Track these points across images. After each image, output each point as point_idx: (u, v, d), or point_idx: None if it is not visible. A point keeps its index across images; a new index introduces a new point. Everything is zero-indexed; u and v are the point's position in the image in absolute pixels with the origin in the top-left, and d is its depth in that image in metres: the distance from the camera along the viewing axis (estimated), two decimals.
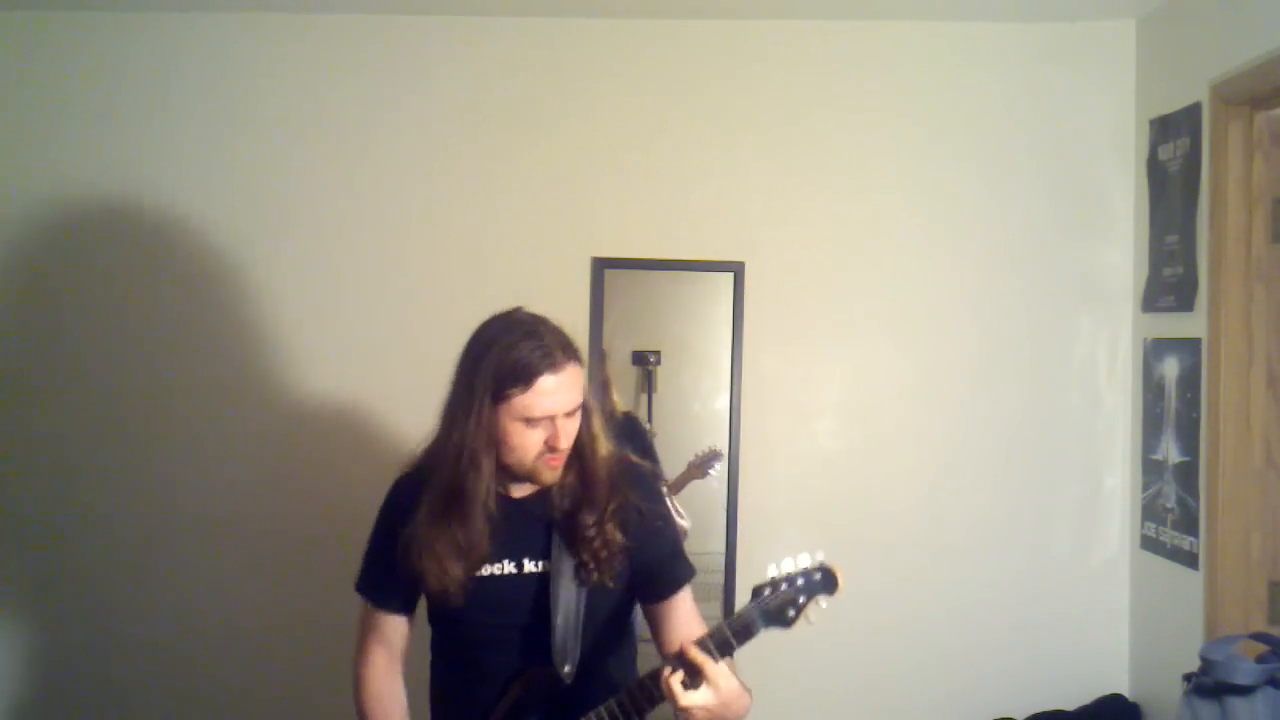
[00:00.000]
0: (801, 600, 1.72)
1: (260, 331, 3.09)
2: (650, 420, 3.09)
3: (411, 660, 2.02)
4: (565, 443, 1.82)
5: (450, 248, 3.06)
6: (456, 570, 1.82)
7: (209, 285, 3.10)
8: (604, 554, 1.86)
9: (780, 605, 1.72)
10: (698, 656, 1.69)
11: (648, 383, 3.09)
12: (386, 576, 1.93)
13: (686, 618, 1.94)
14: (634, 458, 2.00)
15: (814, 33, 3.06)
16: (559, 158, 3.07)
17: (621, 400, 3.06)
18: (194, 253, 3.10)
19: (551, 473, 1.85)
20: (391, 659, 1.99)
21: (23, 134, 3.13)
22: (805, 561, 1.74)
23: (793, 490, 3.05)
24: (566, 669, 1.85)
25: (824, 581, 1.73)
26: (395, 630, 1.99)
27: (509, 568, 1.88)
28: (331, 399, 3.06)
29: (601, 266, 3.04)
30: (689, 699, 1.68)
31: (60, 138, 3.12)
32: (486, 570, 1.86)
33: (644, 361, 3.08)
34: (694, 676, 1.69)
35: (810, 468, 3.06)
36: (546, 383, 1.78)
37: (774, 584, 1.73)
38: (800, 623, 1.72)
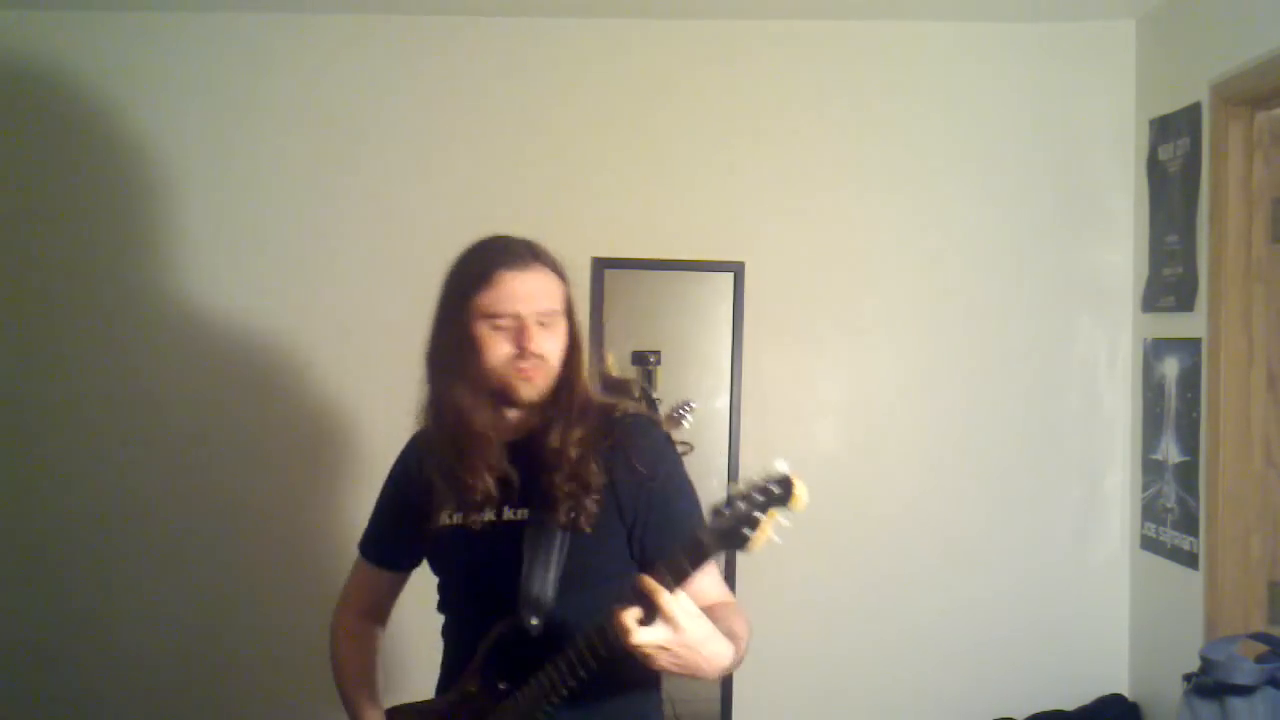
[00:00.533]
0: (757, 515, 1.50)
1: (258, 332, 3.09)
2: None
3: (418, 626, 1.99)
4: (534, 345, 1.71)
5: (450, 248, 3.04)
6: (475, 488, 1.73)
7: (207, 286, 3.10)
8: (573, 486, 1.72)
9: (734, 523, 1.51)
10: (649, 585, 1.50)
11: (648, 383, 3.09)
12: (388, 531, 1.94)
13: (694, 592, 1.60)
14: (646, 411, 1.90)
15: (814, 33, 3.06)
16: (559, 158, 3.07)
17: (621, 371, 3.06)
18: (193, 253, 3.10)
19: (527, 385, 1.72)
20: (375, 612, 1.99)
21: (21, 134, 3.13)
22: (760, 475, 1.53)
23: None
24: (534, 621, 1.72)
25: (782, 495, 1.52)
26: (382, 588, 1.99)
27: (489, 514, 1.77)
28: (331, 397, 3.06)
29: (601, 266, 3.04)
30: (641, 636, 1.49)
31: (59, 138, 3.12)
32: (472, 517, 1.78)
33: (644, 361, 3.08)
34: (650, 612, 1.51)
35: (810, 467, 3.01)
36: (505, 278, 1.73)
37: (729, 501, 1.53)
38: (760, 541, 1.51)
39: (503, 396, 1.75)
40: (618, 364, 3.07)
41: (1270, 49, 2.35)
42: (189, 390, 3.10)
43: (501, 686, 1.75)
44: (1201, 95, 2.63)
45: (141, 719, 3.08)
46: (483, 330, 1.72)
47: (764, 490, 1.52)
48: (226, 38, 3.10)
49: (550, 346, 1.74)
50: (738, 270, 3.04)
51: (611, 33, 3.07)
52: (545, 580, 1.73)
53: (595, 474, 1.73)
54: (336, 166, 3.09)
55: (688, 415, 3.02)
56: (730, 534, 1.51)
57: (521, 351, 1.71)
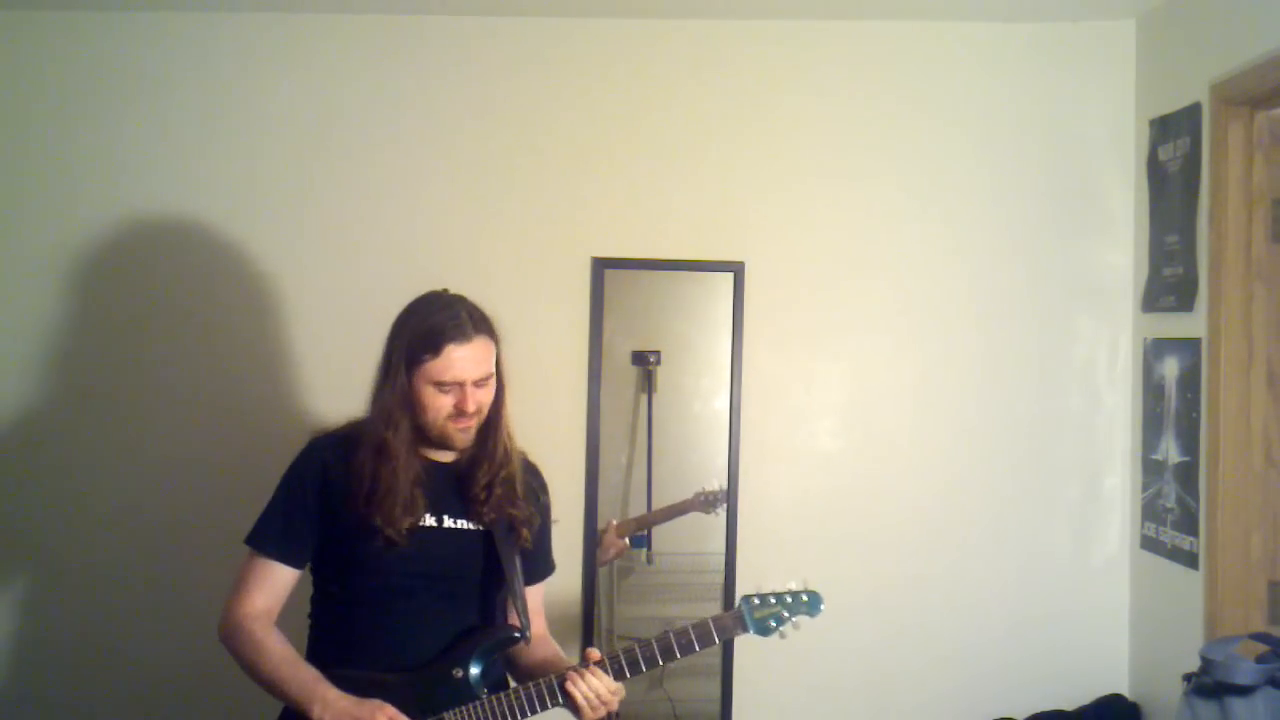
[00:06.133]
0: (787, 615, 2.02)
1: (259, 331, 3.08)
2: (650, 421, 3.08)
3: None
4: (471, 407, 2.02)
5: (450, 248, 3.06)
6: (394, 518, 2.00)
7: (206, 287, 3.10)
8: (516, 513, 2.10)
9: (765, 616, 2.02)
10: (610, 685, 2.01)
11: (648, 383, 3.09)
12: (291, 529, 2.08)
13: (538, 606, 2.24)
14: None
15: (815, 32, 3.06)
16: (559, 158, 3.07)
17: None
18: (191, 253, 3.09)
19: (462, 435, 2.06)
20: (272, 610, 2.09)
21: (22, 134, 3.13)
22: (794, 584, 2.05)
23: (792, 490, 3.05)
24: (529, 634, 2.10)
25: (810, 604, 2.04)
26: (283, 584, 2.10)
27: (429, 520, 2.07)
28: (331, 397, 3.05)
29: (601, 266, 3.04)
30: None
31: (60, 139, 3.11)
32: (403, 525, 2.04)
33: (644, 361, 3.08)
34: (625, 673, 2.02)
35: (810, 467, 3.06)
36: (454, 350, 1.99)
37: (763, 596, 2.03)
38: (775, 635, 2.02)
39: (438, 443, 2.08)
40: (617, 367, 3.07)
41: (1270, 49, 2.35)
42: (187, 393, 3.09)
43: (457, 674, 2.02)
44: (1201, 95, 2.63)
45: None
46: (427, 390, 2.02)
47: (795, 596, 2.03)
48: (225, 38, 3.10)
49: (484, 399, 2.06)
50: (738, 270, 3.03)
51: (611, 33, 3.07)
52: (519, 593, 2.11)
53: (520, 504, 2.12)
54: (336, 167, 3.08)
55: (720, 508, 3.02)
56: (760, 624, 2.02)
57: (460, 413, 2.02)
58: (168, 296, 3.10)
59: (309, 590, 2.18)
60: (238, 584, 2.09)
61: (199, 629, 3.01)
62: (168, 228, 3.10)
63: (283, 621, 2.11)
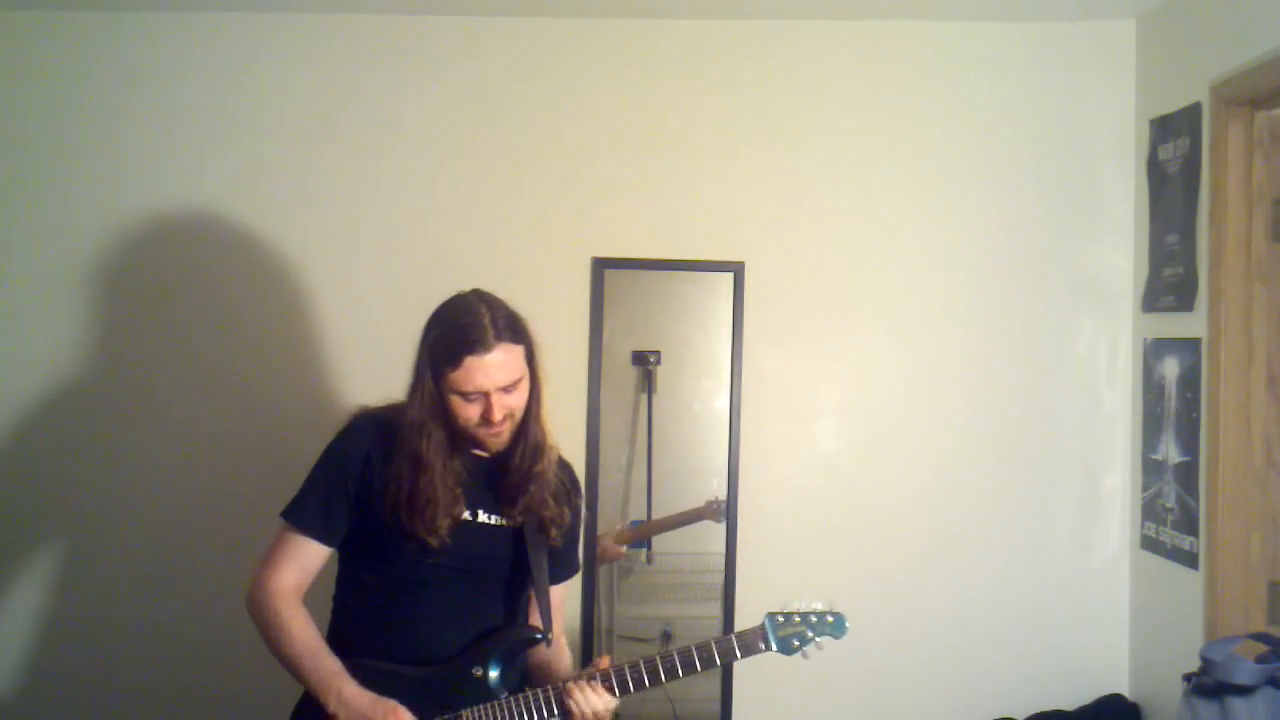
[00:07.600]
0: (811, 635, 2.03)
1: (260, 331, 3.09)
2: (650, 421, 3.08)
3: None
4: (498, 415, 1.99)
5: (450, 248, 3.06)
6: (436, 526, 1.99)
7: (208, 288, 3.10)
8: (546, 512, 2.09)
9: (788, 635, 2.02)
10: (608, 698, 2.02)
11: (648, 383, 3.09)
12: (329, 508, 2.06)
13: (557, 604, 2.21)
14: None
15: (814, 32, 3.06)
16: (559, 158, 3.07)
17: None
18: (192, 255, 3.10)
19: (495, 440, 2.04)
20: (301, 586, 2.07)
21: (22, 135, 3.13)
22: (819, 605, 2.05)
23: (792, 490, 3.06)
24: (551, 635, 2.10)
25: (835, 625, 2.05)
26: (315, 561, 2.08)
27: (465, 514, 2.05)
28: (332, 397, 3.05)
29: (601, 266, 3.04)
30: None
31: (60, 140, 3.12)
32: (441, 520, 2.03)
33: (644, 361, 3.08)
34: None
35: (810, 467, 3.06)
36: (473, 363, 1.96)
37: (787, 614, 2.03)
38: (798, 655, 2.02)
39: (474, 445, 2.07)
40: (617, 367, 3.07)
41: (1270, 49, 2.35)
42: (189, 392, 3.10)
43: (477, 673, 2.03)
44: (1201, 95, 2.63)
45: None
46: (454, 399, 2.00)
47: (820, 616, 2.04)
48: (227, 38, 3.10)
49: (514, 403, 2.03)
50: (738, 270, 3.04)
51: (612, 33, 3.07)
52: (544, 593, 2.11)
53: (552, 501, 2.11)
54: (338, 167, 3.09)
55: (721, 511, 3.02)
56: (783, 642, 2.02)
57: (487, 420, 1.99)
58: (172, 297, 3.11)
59: (334, 569, 2.17)
60: (269, 557, 2.08)
61: (212, 624, 3.04)
62: (170, 228, 3.10)
63: (308, 597, 2.10)
